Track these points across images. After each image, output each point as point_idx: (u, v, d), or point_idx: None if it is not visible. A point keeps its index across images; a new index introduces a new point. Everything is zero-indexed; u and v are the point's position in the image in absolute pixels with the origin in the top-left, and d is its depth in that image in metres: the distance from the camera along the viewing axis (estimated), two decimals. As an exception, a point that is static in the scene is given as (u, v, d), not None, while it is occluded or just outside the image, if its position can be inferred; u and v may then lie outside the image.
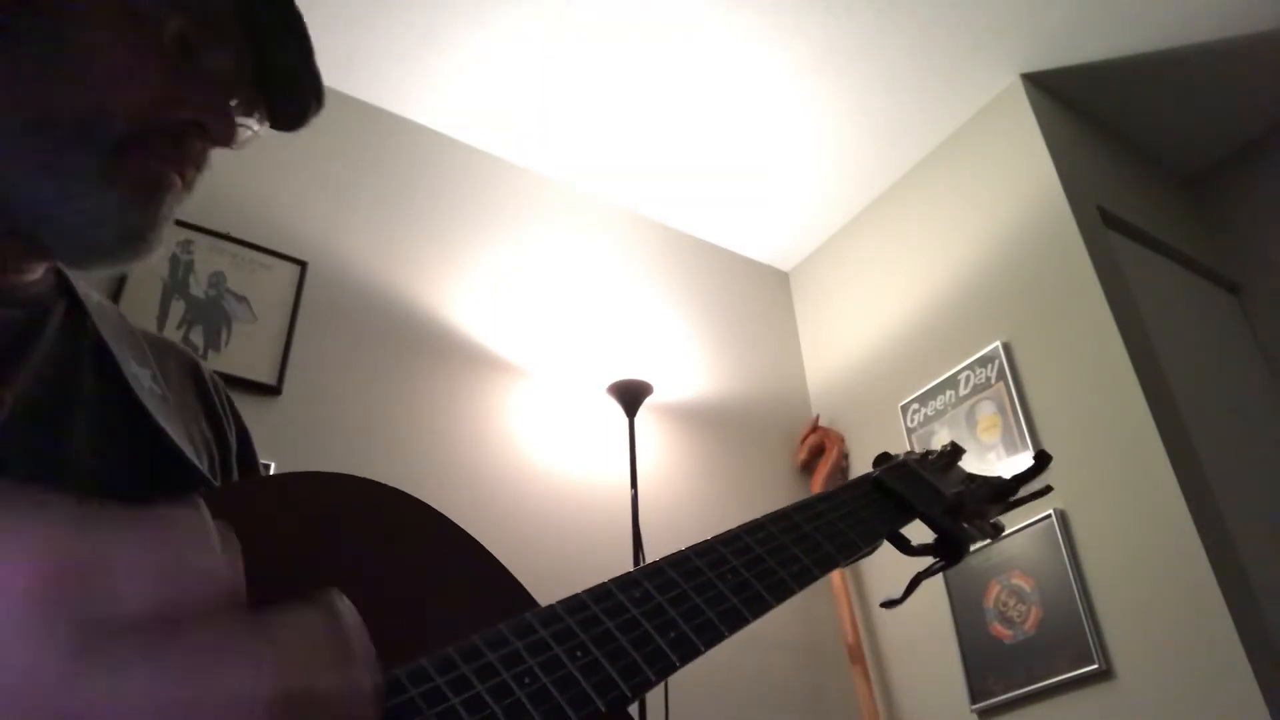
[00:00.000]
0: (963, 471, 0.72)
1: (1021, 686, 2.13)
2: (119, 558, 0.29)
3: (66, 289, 0.60)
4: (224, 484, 0.57)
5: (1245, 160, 3.07)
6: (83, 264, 0.57)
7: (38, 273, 0.58)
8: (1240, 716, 1.78)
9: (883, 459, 0.71)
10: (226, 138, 0.58)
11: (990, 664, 2.22)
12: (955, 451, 0.71)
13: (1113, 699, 1.98)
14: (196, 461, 0.57)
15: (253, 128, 0.62)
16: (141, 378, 0.58)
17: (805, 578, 0.54)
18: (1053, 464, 2.40)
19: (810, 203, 3.12)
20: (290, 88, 0.62)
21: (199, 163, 0.58)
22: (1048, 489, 0.77)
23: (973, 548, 0.66)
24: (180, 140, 0.55)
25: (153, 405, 0.57)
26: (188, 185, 0.57)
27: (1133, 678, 1.97)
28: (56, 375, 0.54)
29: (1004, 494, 0.72)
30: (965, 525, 0.66)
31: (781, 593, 0.52)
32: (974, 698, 2.23)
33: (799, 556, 0.55)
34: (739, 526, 0.55)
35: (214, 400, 0.66)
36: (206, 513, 0.33)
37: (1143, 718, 1.93)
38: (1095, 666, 2.01)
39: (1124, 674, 1.98)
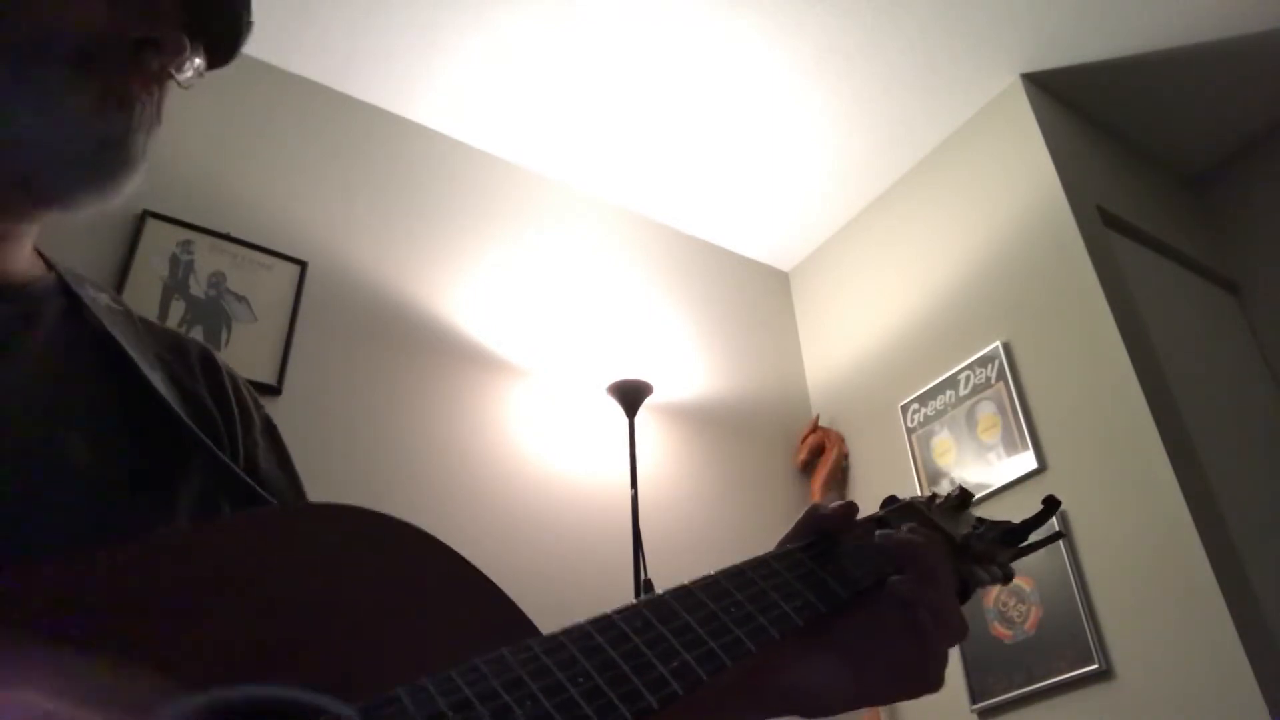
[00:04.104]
0: (973, 516, 0.73)
1: (1021, 686, 2.13)
2: None
3: (66, 290, 0.60)
4: (208, 519, 0.56)
5: (1245, 160, 3.07)
6: (70, 190, 0.56)
7: (26, 259, 0.58)
8: (1240, 716, 1.78)
9: (890, 501, 0.71)
10: (178, 46, 0.57)
11: (990, 664, 2.22)
12: (965, 495, 0.71)
13: (1113, 699, 1.99)
14: (215, 449, 0.56)
15: (195, 62, 0.62)
16: (152, 379, 0.58)
17: (809, 612, 0.54)
18: (1053, 464, 2.40)
19: (810, 203, 3.12)
20: (220, 15, 0.62)
21: (160, 81, 0.58)
22: (1060, 535, 0.78)
23: (980, 591, 0.66)
24: (138, 56, 0.56)
25: (163, 392, 0.56)
26: (156, 109, 0.57)
27: (1133, 678, 1.97)
28: (50, 371, 0.53)
29: (1013, 538, 0.72)
30: (974, 568, 0.67)
31: (785, 625, 0.52)
32: (974, 698, 2.23)
33: (803, 592, 0.55)
34: (743, 562, 0.56)
35: (228, 394, 0.65)
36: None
37: (1143, 718, 1.93)
38: (1095, 666, 2.01)
39: (1124, 674, 1.98)
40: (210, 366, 0.65)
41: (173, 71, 0.58)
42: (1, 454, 0.47)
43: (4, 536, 0.45)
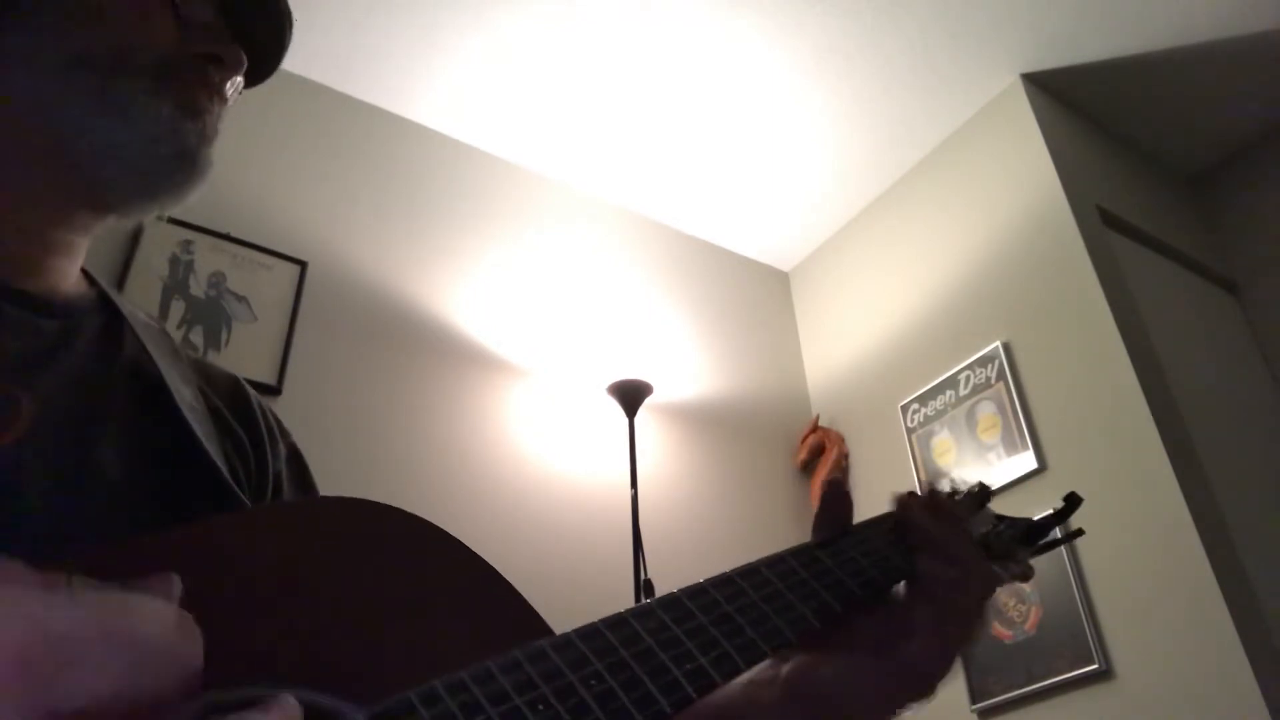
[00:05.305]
0: (992, 513, 0.71)
1: (1021, 686, 2.13)
2: (77, 649, 0.28)
3: (107, 305, 0.60)
4: (225, 510, 0.56)
5: (1245, 160, 3.07)
6: (142, 194, 0.58)
7: (73, 277, 0.59)
8: (1240, 716, 1.78)
9: None
10: (238, 63, 0.60)
11: (990, 664, 2.22)
12: (984, 492, 0.69)
13: (1113, 699, 1.98)
14: (229, 478, 0.56)
15: (237, 81, 0.64)
16: (184, 393, 0.58)
17: (825, 614, 0.53)
18: (1053, 464, 2.38)
19: (810, 203, 3.12)
20: (256, 31, 0.65)
21: (222, 94, 0.61)
22: (1080, 532, 0.76)
23: (1000, 589, 0.65)
24: (204, 71, 0.59)
25: (192, 419, 0.56)
26: (216, 121, 0.60)
27: (1133, 678, 1.97)
28: (87, 387, 0.53)
29: (1033, 535, 0.71)
30: (993, 567, 0.66)
31: (800, 627, 0.51)
32: (974, 698, 2.23)
33: (819, 592, 0.54)
34: (757, 560, 0.55)
35: (257, 420, 0.66)
36: (175, 591, 0.33)
37: (1143, 718, 1.92)
38: (1095, 666, 2.01)
39: (1124, 674, 1.98)
40: (240, 393, 0.67)
41: (229, 87, 0.61)
42: (36, 467, 0.47)
43: (34, 548, 0.44)
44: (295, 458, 0.68)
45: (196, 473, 0.55)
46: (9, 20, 0.53)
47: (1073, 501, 0.71)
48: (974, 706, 2.23)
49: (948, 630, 0.56)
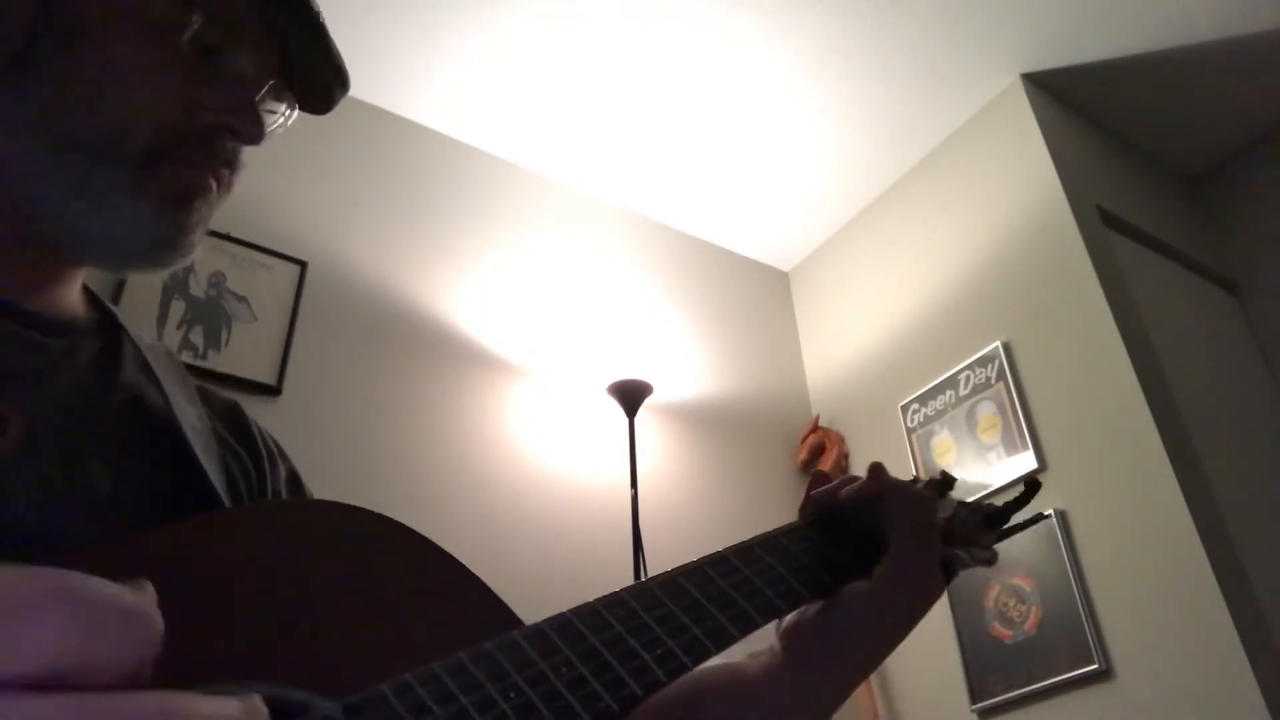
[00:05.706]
0: (954, 500, 0.74)
1: (1021, 686, 2.13)
2: (13, 601, 0.24)
3: (111, 323, 0.61)
4: (205, 513, 0.56)
5: (1245, 160, 3.07)
6: (118, 269, 0.59)
7: (73, 296, 0.59)
8: (1240, 716, 1.78)
9: None
10: (255, 136, 0.58)
11: (990, 664, 2.22)
12: (946, 480, 0.72)
13: (1113, 699, 1.99)
14: (227, 496, 0.57)
15: (284, 113, 0.63)
16: (187, 413, 0.58)
17: (793, 598, 0.55)
18: (1053, 464, 2.40)
19: (810, 203, 3.12)
20: (310, 79, 0.63)
21: (233, 163, 0.59)
22: (1040, 517, 0.78)
23: (963, 572, 0.68)
24: (211, 144, 0.56)
25: (193, 438, 0.57)
26: (225, 186, 0.59)
27: (1133, 678, 1.97)
28: (83, 404, 0.53)
29: (996, 521, 0.74)
30: (956, 551, 0.68)
31: (769, 612, 0.53)
32: (974, 698, 2.23)
33: (786, 577, 0.56)
34: (726, 549, 0.57)
35: (257, 443, 0.66)
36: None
37: (1143, 718, 1.93)
38: (1095, 666, 2.01)
39: (1124, 674, 1.98)
40: (239, 417, 0.67)
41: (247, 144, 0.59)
42: (27, 481, 0.47)
43: (25, 557, 0.45)
44: (294, 480, 0.68)
45: (195, 491, 0.55)
46: (7, 85, 0.51)
47: (1032, 486, 0.73)
48: (974, 706, 2.23)
49: (903, 526, 0.61)
